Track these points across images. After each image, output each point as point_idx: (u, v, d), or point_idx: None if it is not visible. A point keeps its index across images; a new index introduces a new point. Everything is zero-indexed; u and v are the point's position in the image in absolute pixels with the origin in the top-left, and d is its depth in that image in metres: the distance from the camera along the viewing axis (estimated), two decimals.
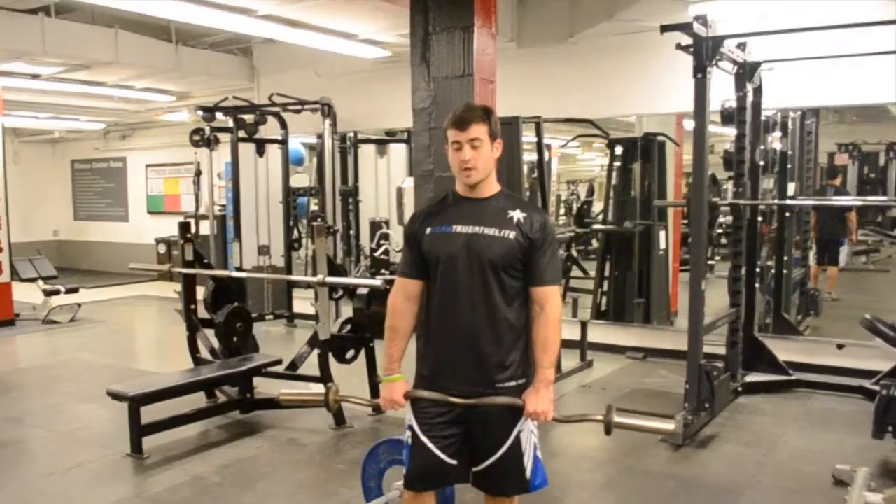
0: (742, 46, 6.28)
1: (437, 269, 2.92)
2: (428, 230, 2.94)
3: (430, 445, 2.94)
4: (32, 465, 5.40)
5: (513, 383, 2.89)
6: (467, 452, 2.97)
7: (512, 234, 2.85)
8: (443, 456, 2.94)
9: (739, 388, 6.53)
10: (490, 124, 2.87)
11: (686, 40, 5.60)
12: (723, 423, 5.91)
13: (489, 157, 2.88)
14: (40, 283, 10.94)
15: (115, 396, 5.39)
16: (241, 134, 9.78)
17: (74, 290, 11.13)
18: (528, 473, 2.96)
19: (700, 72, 5.59)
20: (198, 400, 6.20)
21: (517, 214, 2.88)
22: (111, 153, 17.14)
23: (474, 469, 2.98)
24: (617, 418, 2.85)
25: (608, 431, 2.85)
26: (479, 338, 2.86)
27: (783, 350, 7.00)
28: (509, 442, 2.91)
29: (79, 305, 11.00)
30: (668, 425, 2.93)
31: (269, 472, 5.12)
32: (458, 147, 2.85)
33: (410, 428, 3.00)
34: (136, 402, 5.32)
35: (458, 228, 2.89)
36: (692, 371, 5.60)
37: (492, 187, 2.94)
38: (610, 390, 6.87)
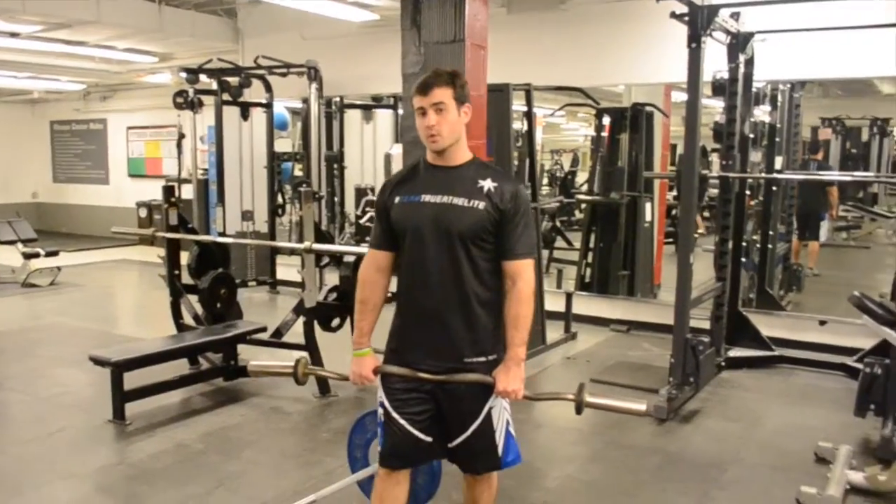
0: (736, 16, 6.22)
1: (405, 240, 2.85)
2: (396, 199, 2.86)
3: (403, 422, 2.89)
4: (12, 431, 5.35)
5: (482, 359, 2.82)
6: (442, 429, 2.92)
7: (481, 205, 2.75)
8: (416, 433, 2.89)
9: (723, 363, 6.54)
10: (455, 88, 2.77)
11: (681, 8, 5.54)
12: (706, 397, 5.93)
13: (455, 121, 2.78)
14: (19, 245, 10.80)
15: (98, 362, 5.33)
16: (226, 97, 9.66)
17: (54, 254, 11.01)
18: (499, 450, 2.92)
19: (694, 41, 5.55)
20: (181, 366, 6.15)
21: (488, 184, 2.78)
22: (91, 115, 16.87)
23: (448, 445, 2.93)
24: (588, 398, 2.82)
25: (579, 411, 2.83)
26: (447, 312, 2.79)
27: (766, 325, 7.01)
28: (480, 418, 2.86)
29: (59, 269, 10.89)
30: (640, 406, 2.87)
31: (253, 440, 5.09)
32: (422, 112, 2.76)
33: (382, 405, 2.95)
34: (118, 368, 5.26)
35: (427, 198, 2.80)
36: (678, 345, 5.61)
37: (462, 155, 2.85)
38: (594, 363, 6.87)
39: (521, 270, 2.77)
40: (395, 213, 2.85)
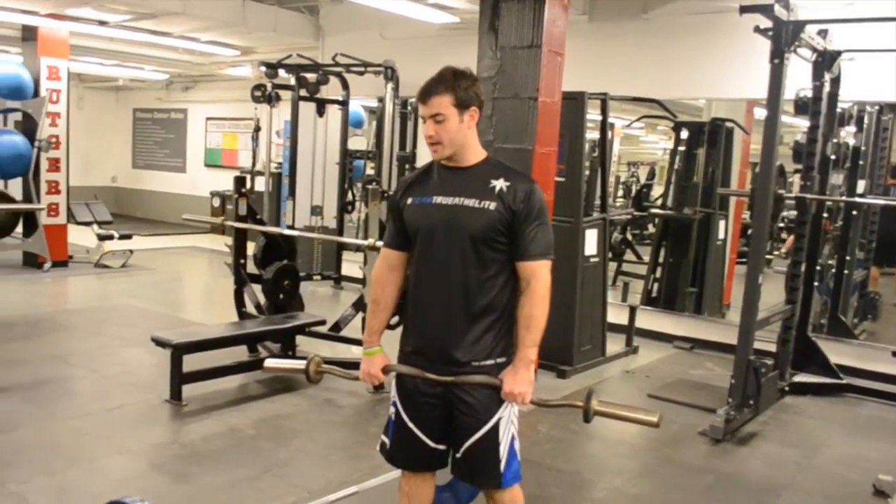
0: (823, 34, 6.10)
1: (417, 241, 2.83)
2: (409, 200, 2.85)
3: (412, 426, 2.87)
4: (73, 404, 5.54)
5: (490, 362, 2.77)
6: (451, 436, 2.87)
7: (492, 206, 2.71)
8: (425, 439, 2.86)
9: (787, 388, 6.42)
10: (456, 92, 2.70)
11: (765, 23, 5.46)
12: (766, 421, 5.84)
13: (456, 129, 2.72)
14: (95, 227, 11.18)
15: (160, 343, 5.51)
16: (303, 92, 9.83)
17: (128, 237, 11.38)
18: (502, 465, 2.82)
19: (777, 57, 5.46)
20: (240, 353, 6.32)
21: (500, 184, 2.74)
22: (173, 104, 17.38)
23: (455, 455, 2.87)
24: (597, 406, 2.75)
25: (587, 419, 2.76)
26: (457, 313, 2.76)
27: (836, 353, 6.87)
28: (487, 427, 2.78)
29: (131, 252, 11.24)
30: (652, 417, 2.74)
31: (303, 429, 5.20)
32: (423, 121, 2.75)
33: (394, 404, 2.94)
34: (179, 350, 5.44)
35: (439, 200, 2.78)
36: (739, 365, 5.53)
37: (474, 155, 2.81)
38: (653, 378, 6.82)
39: (536, 271, 2.73)
40: (407, 215, 2.85)
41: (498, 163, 2.87)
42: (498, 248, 2.75)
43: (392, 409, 2.96)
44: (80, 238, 11.33)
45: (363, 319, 5.90)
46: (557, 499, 4.21)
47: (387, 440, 2.97)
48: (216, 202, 15.10)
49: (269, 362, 3.40)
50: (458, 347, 2.77)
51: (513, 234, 2.73)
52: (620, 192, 15.61)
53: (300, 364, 3.14)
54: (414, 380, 2.85)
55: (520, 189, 2.74)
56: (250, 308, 6.81)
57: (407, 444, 2.91)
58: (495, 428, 2.80)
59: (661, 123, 12.09)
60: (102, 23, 10.26)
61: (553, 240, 2.81)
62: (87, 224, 11.21)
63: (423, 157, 11.01)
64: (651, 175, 15.42)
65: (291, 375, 6.12)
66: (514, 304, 2.77)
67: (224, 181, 14.92)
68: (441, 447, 2.89)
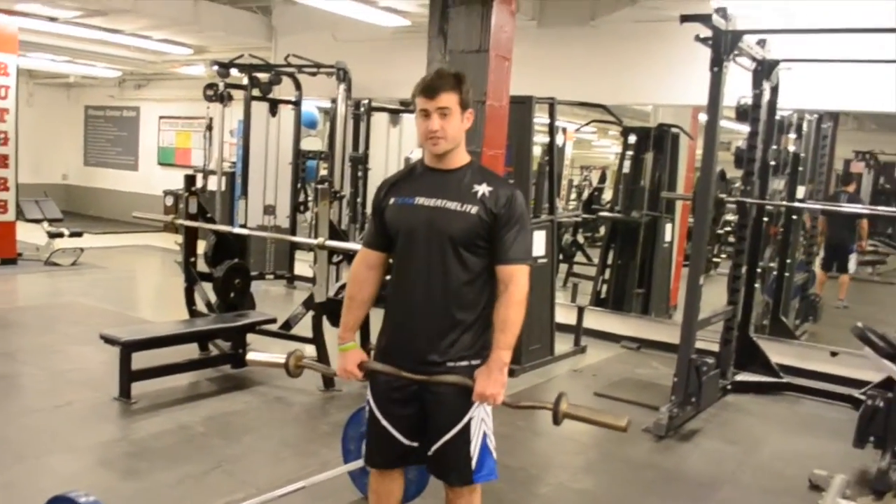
0: (762, 43, 6.27)
1: (398, 241, 2.88)
2: (391, 201, 2.89)
3: (386, 424, 2.93)
4: (20, 401, 5.51)
5: (464, 363, 2.82)
6: (424, 433, 2.92)
7: (474, 209, 2.75)
8: (399, 436, 2.92)
9: (729, 386, 6.58)
10: (461, 93, 2.77)
11: (705, 32, 5.59)
12: (708, 418, 5.98)
13: (458, 127, 2.79)
14: (45, 224, 11.03)
15: (108, 340, 5.49)
16: (255, 92, 9.82)
17: (78, 234, 11.24)
18: (473, 462, 2.87)
19: (716, 65, 5.60)
20: (191, 351, 6.30)
21: (482, 188, 2.79)
22: (125, 102, 17.19)
23: (428, 453, 2.92)
24: (567, 409, 2.79)
25: (556, 421, 2.81)
26: (434, 314, 2.81)
27: (777, 353, 7.05)
28: (458, 427, 2.83)
29: (82, 250, 11.11)
30: (620, 421, 2.79)
31: (254, 427, 5.21)
32: (425, 115, 2.76)
33: (369, 403, 3.00)
34: (127, 348, 5.42)
35: (421, 201, 2.82)
36: (682, 363, 5.66)
37: (460, 158, 2.86)
38: (600, 377, 6.95)
39: (514, 275, 2.77)
40: (389, 215, 2.89)
41: (481, 168, 2.93)
42: (478, 251, 2.79)
43: (367, 408, 3.01)
44: (30, 236, 11.17)
45: (314, 318, 5.95)
46: (504, 493, 4.29)
47: (365, 445, 3.07)
48: (169, 201, 14.91)
49: (252, 356, 3.46)
50: (434, 348, 2.81)
51: (493, 238, 2.77)
52: (573, 195, 15.80)
53: (281, 358, 3.22)
54: (388, 378, 2.90)
55: (501, 194, 2.79)
56: (201, 306, 6.80)
57: (380, 441, 2.97)
58: (466, 427, 2.85)
59: (611, 128, 12.28)
60: (52, 19, 10.13)
61: (531, 248, 2.88)
62: (37, 221, 11.06)
63: (376, 157, 11.06)
64: (602, 178, 15.63)
65: (247, 374, 6.16)
66: (491, 307, 2.81)
67: (177, 180, 14.59)
68: (411, 444, 2.94)
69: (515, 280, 2.77)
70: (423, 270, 2.81)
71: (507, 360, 2.77)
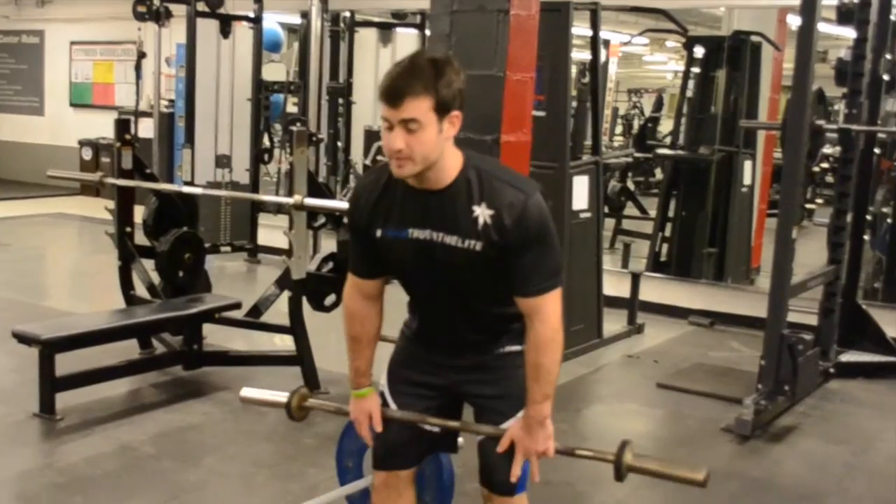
0: None
1: (404, 277, 2.97)
2: (378, 233, 2.86)
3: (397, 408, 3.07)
4: None
5: (517, 347, 2.92)
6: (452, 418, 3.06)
7: (478, 246, 2.73)
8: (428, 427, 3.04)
9: (832, 370, 6.63)
10: (436, 94, 2.62)
11: None
12: (806, 412, 6.05)
13: (433, 142, 2.65)
14: None
15: (23, 339, 5.48)
16: (201, 7, 9.80)
17: None
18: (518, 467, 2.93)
19: None
20: (130, 349, 6.34)
21: (482, 214, 2.71)
22: (23, 24, 17.08)
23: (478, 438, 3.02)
24: (632, 460, 2.84)
25: (619, 477, 2.86)
26: (466, 339, 2.97)
27: (894, 324, 7.12)
28: (509, 423, 2.93)
29: None
30: (697, 474, 2.84)
31: (218, 444, 5.30)
32: (388, 126, 2.66)
33: (382, 395, 3.09)
34: (49, 348, 5.41)
35: (415, 234, 2.81)
36: (770, 343, 5.73)
37: (447, 173, 2.76)
38: (663, 363, 7.03)
39: (538, 308, 2.79)
40: (381, 249, 2.91)
41: (477, 175, 2.79)
42: (498, 284, 2.83)
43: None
44: None
45: (291, 300, 6.01)
46: None
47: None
48: (87, 154, 14.99)
49: (246, 392, 3.51)
50: (473, 349, 2.98)
51: (508, 266, 2.77)
52: (619, 129, 15.84)
53: (282, 397, 3.28)
54: (410, 370, 3.05)
55: (507, 216, 2.70)
56: (141, 290, 6.86)
57: (391, 433, 3.05)
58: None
59: (669, 39, 12.27)
60: None
61: (561, 261, 2.90)
62: None
63: (363, 88, 11.09)
64: (658, 106, 15.65)
65: (204, 377, 6.24)
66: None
67: (98, 126, 14.81)
68: (432, 429, 3.04)
69: (541, 313, 2.79)
70: (443, 311, 2.97)
71: (547, 412, 2.84)
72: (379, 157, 9.83)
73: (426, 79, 2.61)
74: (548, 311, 2.77)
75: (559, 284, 2.81)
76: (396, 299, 3.13)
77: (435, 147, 2.65)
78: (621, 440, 2.91)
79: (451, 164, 2.75)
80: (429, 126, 2.62)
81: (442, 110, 2.63)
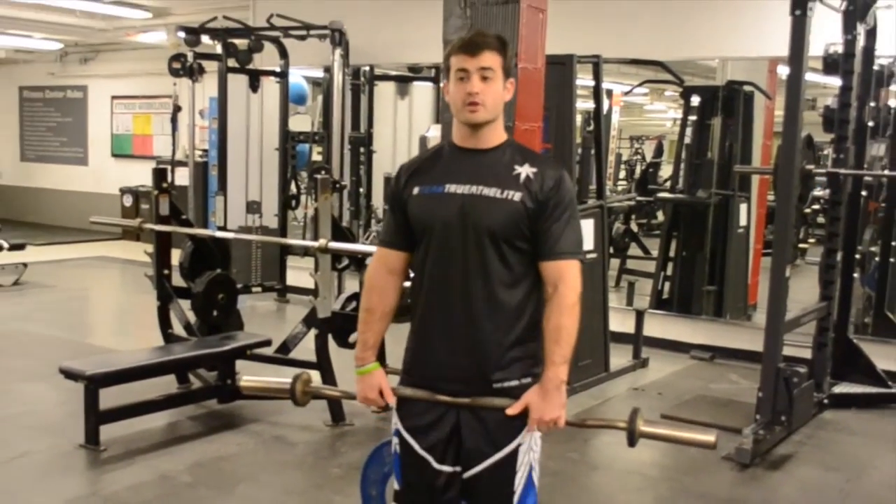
0: None
1: (426, 240, 2.89)
2: (415, 191, 2.91)
3: (423, 453, 2.95)
4: None
5: (515, 383, 2.85)
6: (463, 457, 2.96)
7: (517, 196, 2.79)
8: (440, 466, 2.94)
9: (826, 401, 6.62)
10: (505, 57, 2.83)
11: None
12: (802, 440, 6.04)
13: (500, 95, 2.83)
14: None
15: (70, 375, 5.54)
16: (232, 63, 9.91)
17: (20, 247, 11.36)
18: (515, 498, 2.91)
19: (799, 7, 5.64)
20: (168, 384, 6.39)
21: (525, 170, 2.83)
22: (69, 80, 17.29)
23: (464, 476, 2.95)
24: (644, 427, 2.86)
25: (631, 442, 2.87)
26: (475, 326, 2.84)
27: (884, 357, 7.10)
28: (504, 453, 2.87)
29: (25, 266, 11.22)
30: (708, 436, 2.89)
31: (250, 473, 5.30)
32: (463, 76, 2.79)
33: (397, 433, 3.01)
34: (94, 383, 5.47)
35: (452, 188, 2.85)
36: (767, 376, 5.73)
37: (498, 135, 2.89)
38: (667, 395, 7.03)
39: (565, 273, 2.81)
40: (412, 208, 2.91)
41: (520, 146, 2.97)
42: (522, 247, 2.83)
43: (395, 440, 3.03)
44: None
45: (317, 338, 6.03)
46: None
47: (397, 484, 3.08)
48: (128, 201, 15.11)
49: (248, 381, 3.45)
50: (475, 366, 2.86)
51: (538, 230, 2.81)
52: (622, 174, 15.86)
53: (284, 382, 3.23)
54: (417, 397, 2.94)
55: (548, 176, 2.82)
56: (178, 329, 6.89)
57: (419, 477, 2.98)
58: (513, 454, 2.88)
59: (668, 89, 12.32)
60: None
61: (582, 240, 2.94)
62: None
63: (382, 137, 11.15)
64: (658, 152, 15.68)
65: (237, 410, 6.25)
66: (540, 314, 2.86)
67: (137, 175, 14.97)
68: (453, 469, 2.94)
69: (566, 278, 2.82)
70: (459, 274, 2.84)
71: (564, 376, 2.81)
72: None
73: (497, 43, 2.82)
74: (572, 277, 2.83)
75: (581, 258, 2.91)
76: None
77: (499, 100, 2.84)
78: (633, 408, 2.93)
79: (500, 130, 2.90)
80: (497, 80, 2.81)
81: (506, 72, 2.84)
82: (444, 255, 2.87)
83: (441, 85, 3.00)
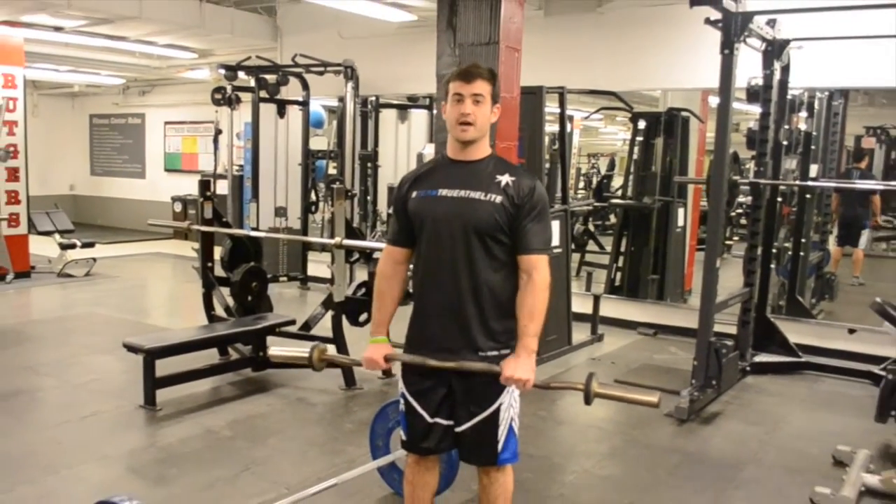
0: (772, 23, 6.32)
1: (422, 234, 2.97)
2: (414, 194, 2.98)
3: (423, 412, 3.03)
4: (46, 414, 5.59)
5: (495, 353, 2.92)
6: (456, 413, 3.04)
7: (498, 199, 2.85)
8: (436, 419, 3.02)
9: (748, 368, 6.64)
10: (494, 86, 2.91)
11: (715, 15, 5.64)
12: (729, 401, 6.04)
13: (488, 116, 2.90)
14: (57, 236, 11.10)
15: (131, 349, 5.57)
16: (263, 94, 9.90)
17: (90, 245, 11.33)
18: (499, 446, 2.99)
19: (727, 48, 5.65)
20: (211, 356, 6.40)
21: (506, 178, 2.89)
22: (130, 109, 17.29)
23: (455, 430, 3.03)
24: (598, 388, 2.89)
25: (587, 401, 2.90)
26: (463, 305, 2.89)
27: (795, 332, 7.11)
28: (488, 412, 2.95)
29: (94, 260, 11.20)
30: (651, 397, 2.90)
31: (279, 428, 5.29)
32: (459, 99, 2.87)
33: (403, 396, 3.10)
34: (151, 355, 5.50)
35: (444, 192, 2.91)
36: (701, 347, 5.74)
37: (483, 150, 2.96)
38: (619, 364, 7.01)
39: (537, 264, 2.88)
40: (411, 208, 2.98)
41: (502, 159, 3.04)
42: (502, 241, 2.89)
43: (401, 401, 3.11)
44: (42, 248, 11.28)
45: (333, 318, 6.02)
46: (530, 482, 4.37)
47: (404, 435, 3.14)
48: (178, 207, 15.07)
49: (275, 351, 3.58)
50: (463, 338, 2.92)
51: (515, 228, 2.88)
52: (582, 184, 15.82)
53: (304, 352, 3.32)
54: (417, 365, 3.01)
55: (524, 185, 2.90)
56: (219, 311, 6.88)
57: (419, 430, 3.06)
58: (495, 413, 2.97)
59: (619, 114, 12.31)
60: (58, 28, 10.21)
61: (551, 238, 3.00)
62: (49, 234, 11.14)
63: (386, 154, 11.15)
64: (611, 166, 15.65)
65: (268, 377, 6.24)
66: (515, 296, 2.92)
67: (185, 186, 14.98)
68: (451, 422, 3.02)
69: (538, 268, 2.88)
70: (449, 263, 2.90)
71: (534, 347, 2.88)
72: None
73: (489, 74, 2.93)
74: (542, 267, 2.90)
75: (550, 253, 2.99)
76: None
77: (487, 122, 2.93)
78: (588, 373, 2.97)
79: (486, 146, 2.99)
80: (487, 104, 2.90)
81: (494, 98, 2.93)
82: (438, 246, 2.93)
83: (441, 105, 3.04)
